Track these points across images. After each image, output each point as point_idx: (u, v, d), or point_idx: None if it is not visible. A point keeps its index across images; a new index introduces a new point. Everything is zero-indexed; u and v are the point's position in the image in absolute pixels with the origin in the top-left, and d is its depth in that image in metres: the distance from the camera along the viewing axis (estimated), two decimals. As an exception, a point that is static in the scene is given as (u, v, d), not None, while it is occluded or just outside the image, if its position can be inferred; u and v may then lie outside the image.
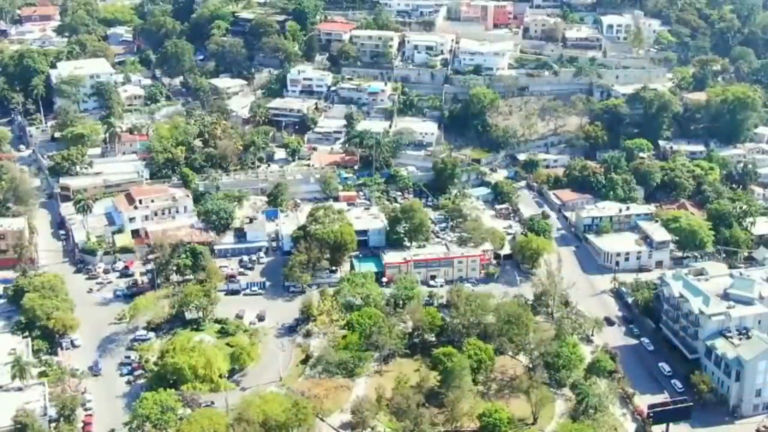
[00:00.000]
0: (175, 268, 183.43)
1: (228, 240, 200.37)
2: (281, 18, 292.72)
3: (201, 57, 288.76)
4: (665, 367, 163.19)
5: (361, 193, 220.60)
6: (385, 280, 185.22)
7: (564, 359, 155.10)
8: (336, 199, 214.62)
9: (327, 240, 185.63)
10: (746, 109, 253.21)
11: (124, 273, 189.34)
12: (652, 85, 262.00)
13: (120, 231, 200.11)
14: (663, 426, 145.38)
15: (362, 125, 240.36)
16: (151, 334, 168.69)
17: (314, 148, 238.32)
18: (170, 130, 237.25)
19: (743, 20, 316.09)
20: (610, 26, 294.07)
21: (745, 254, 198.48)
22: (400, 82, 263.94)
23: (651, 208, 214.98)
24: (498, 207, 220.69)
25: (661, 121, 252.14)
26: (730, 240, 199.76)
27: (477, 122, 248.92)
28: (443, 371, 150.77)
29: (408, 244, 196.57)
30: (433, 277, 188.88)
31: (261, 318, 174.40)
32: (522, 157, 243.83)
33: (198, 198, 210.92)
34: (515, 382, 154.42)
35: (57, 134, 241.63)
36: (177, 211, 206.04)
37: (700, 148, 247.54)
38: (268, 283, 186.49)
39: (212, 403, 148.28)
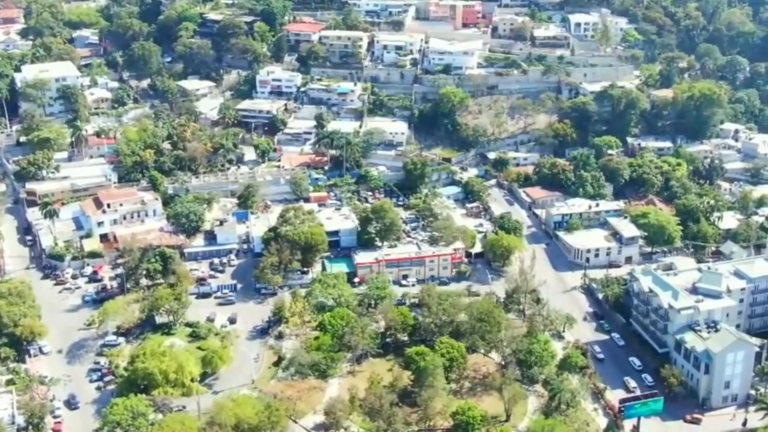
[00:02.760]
0: (144, 272, 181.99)
1: (198, 243, 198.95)
2: (249, 19, 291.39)
3: (169, 59, 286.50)
4: (635, 361, 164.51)
5: (331, 194, 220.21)
6: (356, 280, 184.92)
7: (536, 356, 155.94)
8: (307, 200, 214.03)
9: (298, 241, 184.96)
10: (712, 106, 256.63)
11: (93, 278, 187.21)
12: (619, 82, 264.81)
13: (88, 236, 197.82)
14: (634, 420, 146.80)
15: (332, 126, 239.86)
16: (121, 339, 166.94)
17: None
18: (138, 132, 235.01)
19: (708, 18, 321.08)
20: (578, 25, 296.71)
21: (713, 249, 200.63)
22: (370, 82, 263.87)
23: (620, 204, 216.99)
24: (469, 206, 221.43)
25: (628, 118, 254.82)
26: (698, 235, 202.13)
27: (447, 121, 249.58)
28: (416, 370, 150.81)
29: (379, 244, 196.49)
30: (404, 277, 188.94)
31: (232, 321, 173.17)
32: (492, 155, 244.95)
33: (167, 201, 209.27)
34: (488, 380, 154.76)
35: (22, 138, 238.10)
36: (146, 215, 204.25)
37: (668, 144, 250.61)
38: (239, 286, 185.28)
39: (184, 407, 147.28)
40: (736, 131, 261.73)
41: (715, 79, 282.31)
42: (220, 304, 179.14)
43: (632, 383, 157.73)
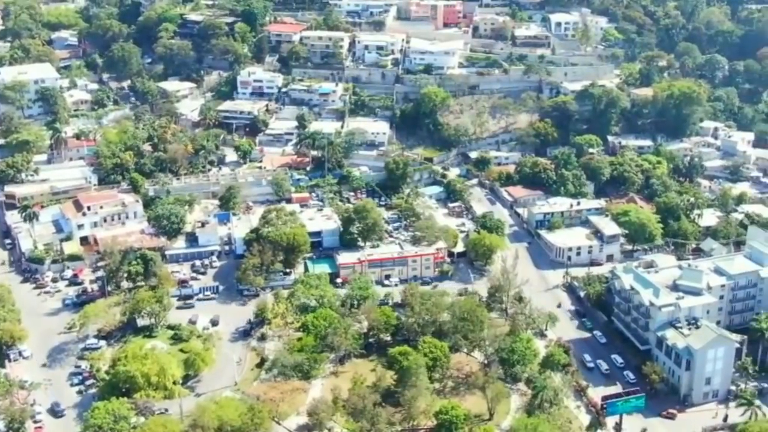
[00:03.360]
0: (125, 274, 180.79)
1: (179, 245, 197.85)
2: (230, 20, 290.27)
3: (149, 60, 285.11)
4: (617, 358, 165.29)
5: (313, 195, 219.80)
6: (339, 280, 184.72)
7: (518, 354, 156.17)
8: (288, 200, 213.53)
9: (280, 242, 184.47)
10: (692, 104, 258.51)
11: (73, 281, 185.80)
12: (600, 81, 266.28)
13: (68, 238, 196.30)
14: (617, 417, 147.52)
15: (314, 126, 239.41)
16: (102, 343, 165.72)
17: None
18: (118, 134, 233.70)
19: (687, 17, 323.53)
20: (558, 24, 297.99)
21: (693, 246, 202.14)
22: (351, 82, 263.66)
23: (601, 202, 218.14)
24: (451, 205, 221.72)
25: (609, 116, 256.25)
26: (679, 232, 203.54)
27: (428, 121, 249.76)
28: (399, 370, 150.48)
29: (362, 244, 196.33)
30: (387, 277, 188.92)
31: (215, 323, 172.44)
32: (473, 155, 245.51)
33: (148, 203, 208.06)
34: (471, 379, 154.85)
35: (1, 141, 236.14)
36: (127, 217, 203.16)
37: (648, 142, 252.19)
38: (221, 287, 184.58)
39: (166, 410, 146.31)
40: (716, 129, 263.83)
41: (695, 77, 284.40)
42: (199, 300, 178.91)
43: (604, 365, 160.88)
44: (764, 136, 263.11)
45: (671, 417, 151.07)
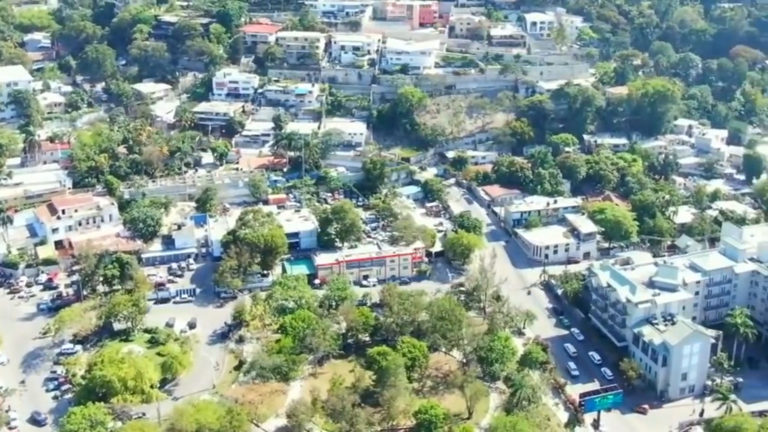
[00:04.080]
0: (101, 278, 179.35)
1: (156, 248, 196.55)
2: (205, 21, 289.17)
3: (123, 62, 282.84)
4: (595, 355, 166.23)
5: (291, 196, 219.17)
6: (317, 281, 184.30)
7: (497, 353, 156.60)
8: (266, 202, 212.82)
9: (257, 244, 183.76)
10: (666, 102, 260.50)
11: (48, 286, 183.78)
12: (575, 80, 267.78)
13: (43, 242, 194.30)
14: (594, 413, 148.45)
15: (290, 127, 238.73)
16: (78, 347, 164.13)
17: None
18: (93, 137, 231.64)
19: (661, 16, 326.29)
20: (534, 24, 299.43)
21: (669, 243, 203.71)
22: (328, 83, 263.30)
23: (577, 200, 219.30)
24: (428, 205, 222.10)
25: (585, 115, 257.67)
26: (654, 229, 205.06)
27: (405, 121, 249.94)
28: (378, 370, 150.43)
29: (340, 244, 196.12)
30: (365, 277, 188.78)
31: (192, 326, 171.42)
32: (450, 154, 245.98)
33: (124, 206, 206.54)
34: (449, 378, 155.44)
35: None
36: (102, 220, 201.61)
37: (623, 140, 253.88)
38: (198, 290, 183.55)
39: (143, 414, 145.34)
40: (690, 127, 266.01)
41: (669, 76, 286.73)
42: (176, 303, 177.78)
43: (572, 365, 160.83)
44: (737, 133, 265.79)
45: (643, 412, 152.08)
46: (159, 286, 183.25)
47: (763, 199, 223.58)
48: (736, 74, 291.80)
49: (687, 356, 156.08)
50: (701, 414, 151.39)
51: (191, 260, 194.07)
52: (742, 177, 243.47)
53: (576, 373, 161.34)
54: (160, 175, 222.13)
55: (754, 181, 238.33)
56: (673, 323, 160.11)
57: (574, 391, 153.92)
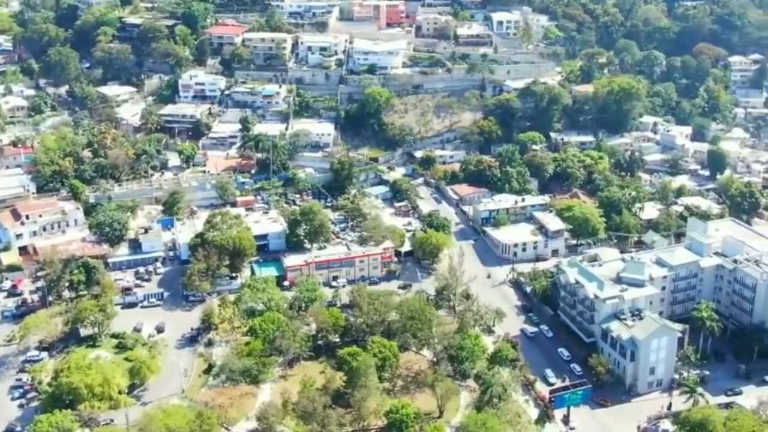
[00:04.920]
0: (67, 284, 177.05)
1: (123, 252, 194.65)
2: (170, 22, 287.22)
3: (87, 65, 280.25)
4: (564, 352, 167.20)
5: (259, 197, 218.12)
6: (286, 283, 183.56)
7: (467, 351, 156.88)
8: (233, 204, 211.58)
9: (225, 246, 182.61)
10: (631, 99, 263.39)
11: (12, 292, 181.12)
12: (542, 79, 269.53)
13: (6, 249, 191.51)
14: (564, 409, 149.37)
15: (258, 128, 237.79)
16: (44, 354, 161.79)
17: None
18: (57, 141, 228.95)
19: (626, 14, 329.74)
20: (500, 23, 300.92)
21: (635, 238, 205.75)
22: (295, 83, 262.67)
23: (545, 198, 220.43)
24: (397, 205, 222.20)
25: (551, 113, 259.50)
26: (621, 226, 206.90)
27: (373, 121, 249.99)
28: (348, 371, 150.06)
29: (309, 246, 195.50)
30: (335, 278, 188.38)
31: (160, 330, 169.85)
32: (419, 154, 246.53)
33: (89, 210, 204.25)
34: (420, 377, 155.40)
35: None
36: (67, 225, 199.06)
37: (590, 138, 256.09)
38: (166, 294, 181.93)
39: (112, 420, 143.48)
40: (655, 124, 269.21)
41: (634, 73, 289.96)
42: (144, 307, 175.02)
43: (552, 377, 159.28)
44: (701, 129, 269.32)
45: (604, 405, 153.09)
46: (126, 290, 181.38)
47: (727, 194, 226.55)
48: (700, 71, 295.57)
49: (654, 350, 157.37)
50: (669, 407, 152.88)
51: (159, 264, 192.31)
52: (706, 173, 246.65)
53: (553, 380, 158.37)
54: (126, 179, 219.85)
55: (718, 176, 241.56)
56: (641, 318, 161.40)
57: (544, 387, 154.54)
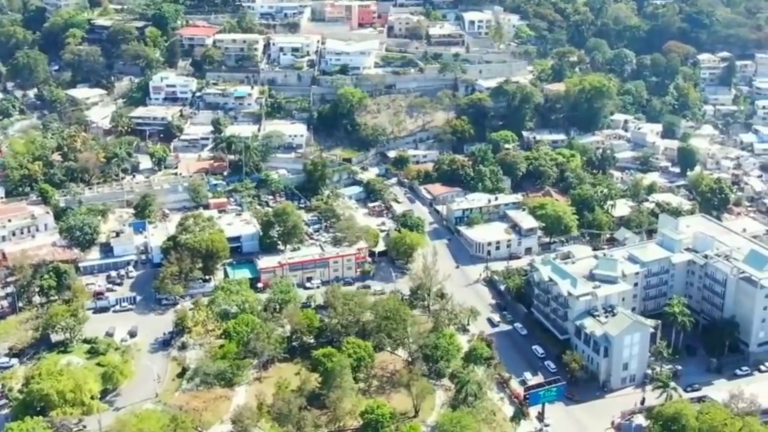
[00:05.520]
0: (37, 289, 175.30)
1: (94, 256, 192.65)
2: (140, 24, 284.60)
3: (56, 67, 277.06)
4: (538, 349, 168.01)
5: (231, 199, 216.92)
6: (260, 285, 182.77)
7: (442, 350, 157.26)
8: (206, 206, 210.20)
9: (198, 249, 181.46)
10: (602, 98, 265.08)
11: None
12: (513, 78, 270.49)
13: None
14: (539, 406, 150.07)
15: (230, 130, 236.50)
16: (14, 361, 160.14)
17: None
18: (26, 144, 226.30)
19: (596, 13, 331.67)
20: (472, 22, 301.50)
21: (608, 236, 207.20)
22: (267, 85, 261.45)
23: (518, 197, 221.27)
24: (371, 205, 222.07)
25: (523, 112, 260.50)
26: (593, 223, 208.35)
27: (346, 122, 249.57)
28: (323, 372, 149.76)
29: (282, 247, 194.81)
30: (309, 279, 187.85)
31: (133, 334, 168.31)
32: (392, 154, 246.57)
33: (59, 214, 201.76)
34: (395, 377, 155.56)
35: None
36: (37, 230, 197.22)
37: (562, 136, 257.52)
38: (138, 298, 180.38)
39: (84, 426, 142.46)
40: (626, 121, 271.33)
41: (604, 71, 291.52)
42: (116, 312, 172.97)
43: (531, 381, 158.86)
44: (671, 127, 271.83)
45: (571, 398, 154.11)
46: (98, 295, 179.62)
47: (697, 190, 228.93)
48: (669, 69, 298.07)
49: (627, 346, 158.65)
50: (642, 402, 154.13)
51: (131, 268, 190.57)
52: (676, 169, 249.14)
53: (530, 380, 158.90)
54: (97, 182, 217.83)
55: (689, 173, 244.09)
56: (614, 314, 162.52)
57: (518, 384, 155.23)
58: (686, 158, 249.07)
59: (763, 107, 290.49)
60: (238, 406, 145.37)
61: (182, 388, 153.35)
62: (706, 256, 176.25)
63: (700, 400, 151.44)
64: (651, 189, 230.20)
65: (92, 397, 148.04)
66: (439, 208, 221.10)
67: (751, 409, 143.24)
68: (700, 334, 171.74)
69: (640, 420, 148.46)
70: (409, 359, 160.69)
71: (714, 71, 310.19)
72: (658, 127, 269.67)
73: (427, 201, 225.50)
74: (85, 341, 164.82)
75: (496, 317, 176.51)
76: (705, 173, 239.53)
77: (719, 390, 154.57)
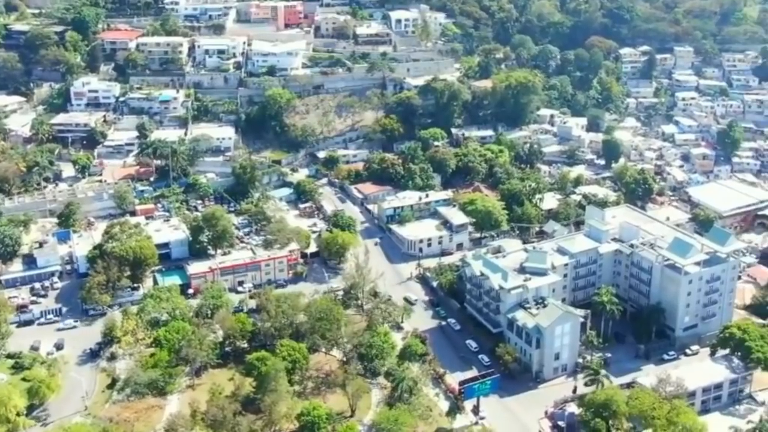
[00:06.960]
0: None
1: (16, 268, 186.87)
2: (60, 29, 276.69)
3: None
4: (472, 343, 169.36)
5: (159, 205, 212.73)
6: (191, 291, 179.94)
7: (376, 349, 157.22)
8: (133, 213, 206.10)
9: (126, 257, 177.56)
10: (528, 93, 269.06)
11: None
12: (441, 75, 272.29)
13: None
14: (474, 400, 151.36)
15: (155, 135, 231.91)
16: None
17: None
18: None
19: (520, 10, 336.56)
20: (399, 21, 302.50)
21: (537, 229, 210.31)
22: (193, 88, 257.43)
23: (448, 193, 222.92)
24: (301, 206, 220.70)
25: (452, 109, 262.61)
26: (523, 217, 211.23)
27: (275, 123, 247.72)
28: (258, 376, 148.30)
29: (213, 252, 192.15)
30: (241, 283, 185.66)
31: (59, 347, 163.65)
32: (322, 154, 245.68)
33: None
34: (331, 378, 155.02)
35: None
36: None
37: (490, 132, 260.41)
38: (64, 309, 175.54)
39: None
40: (552, 116, 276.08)
41: (530, 67, 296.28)
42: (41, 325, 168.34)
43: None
44: (596, 120, 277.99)
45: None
46: (21, 308, 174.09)
47: (622, 181, 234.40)
48: (593, 64, 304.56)
49: (559, 337, 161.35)
50: (574, 391, 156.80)
51: (55, 279, 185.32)
52: (602, 162, 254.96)
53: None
54: (18, 192, 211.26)
55: (613, 165, 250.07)
56: (545, 306, 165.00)
57: (453, 379, 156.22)
58: (611, 151, 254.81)
59: (683, 99, 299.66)
60: (171, 414, 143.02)
61: (112, 400, 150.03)
62: (632, 246, 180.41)
63: (629, 386, 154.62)
64: (578, 181, 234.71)
65: (18, 414, 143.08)
66: (370, 207, 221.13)
67: (678, 392, 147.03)
68: (628, 322, 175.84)
69: (572, 408, 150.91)
70: (344, 359, 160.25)
71: (635, 65, 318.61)
72: (583, 121, 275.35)
73: (358, 200, 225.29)
74: (9, 356, 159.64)
75: (413, 296, 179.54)
76: (629, 165, 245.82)
77: (647, 375, 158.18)
